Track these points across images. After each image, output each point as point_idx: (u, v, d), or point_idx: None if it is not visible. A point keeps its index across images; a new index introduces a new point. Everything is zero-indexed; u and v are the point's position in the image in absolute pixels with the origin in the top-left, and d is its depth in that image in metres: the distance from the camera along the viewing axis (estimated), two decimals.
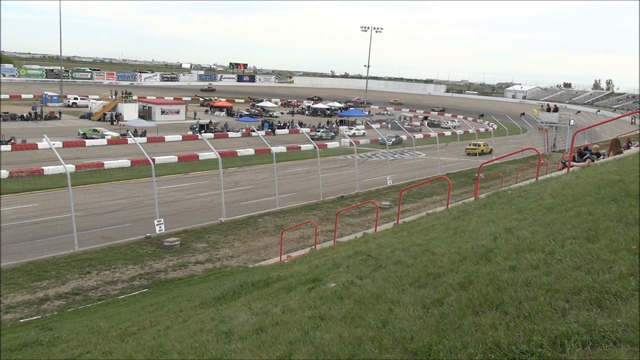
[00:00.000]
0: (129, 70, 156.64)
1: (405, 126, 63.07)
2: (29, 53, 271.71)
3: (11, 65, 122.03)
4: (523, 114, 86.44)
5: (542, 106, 55.79)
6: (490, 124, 76.27)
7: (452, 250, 5.87)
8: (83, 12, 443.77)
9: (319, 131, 57.60)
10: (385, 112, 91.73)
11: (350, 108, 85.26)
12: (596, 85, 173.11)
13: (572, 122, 49.92)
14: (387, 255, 6.85)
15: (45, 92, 75.41)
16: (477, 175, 22.62)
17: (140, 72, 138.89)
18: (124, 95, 63.03)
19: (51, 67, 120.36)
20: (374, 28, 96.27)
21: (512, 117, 71.86)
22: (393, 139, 52.90)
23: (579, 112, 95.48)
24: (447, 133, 61.68)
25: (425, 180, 27.11)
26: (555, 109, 53.31)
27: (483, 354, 3.53)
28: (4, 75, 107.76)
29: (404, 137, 54.72)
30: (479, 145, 47.48)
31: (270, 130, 59.12)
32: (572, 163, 13.20)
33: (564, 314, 3.73)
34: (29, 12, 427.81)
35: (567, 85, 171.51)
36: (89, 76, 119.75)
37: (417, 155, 44.58)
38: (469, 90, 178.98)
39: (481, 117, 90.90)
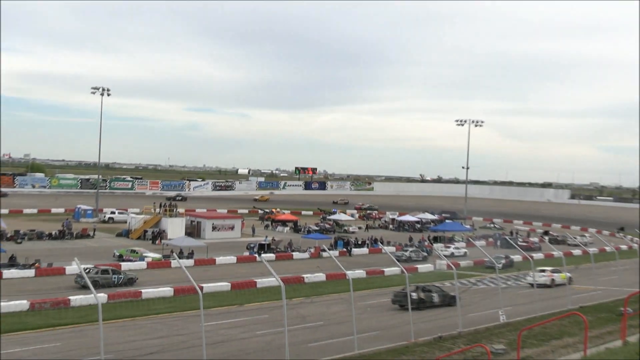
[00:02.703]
0: (177, 178, 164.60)
1: (519, 243, 61.43)
2: (63, 160, 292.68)
3: (42, 175, 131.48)
4: None
5: None
6: (635, 239, 72.93)
7: None
8: (125, 112, 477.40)
9: (406, 250, 57.04)
10: (492, 225, 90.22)
11: (447, 220, 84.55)
12: None
13: None
14: None
15: (78, 206, 79.90)
16: (623, 309, 21.28)
17: (189, 180, 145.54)
18: (169, 208, 65.67)
19: (87, 176, 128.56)
20: (473, 121, 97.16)
21: None
22: (503, 261, 51.40)
23: None
24: (577, 252, 59.42)
25: (551, 317, 25.79)
26: None
27: None
28: (34, 186, 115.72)
29: (519, 257, 53.12)
30: None
31: (345, 249, 59.17)
32: None
33: None
34: (67, 113, 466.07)
35: None
36: (130, 186, 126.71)
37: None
38: (601, 195, 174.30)
39: (621, 231, 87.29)
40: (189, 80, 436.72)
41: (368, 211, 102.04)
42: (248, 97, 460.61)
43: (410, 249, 57.70)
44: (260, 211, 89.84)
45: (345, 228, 77.18)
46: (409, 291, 30.85)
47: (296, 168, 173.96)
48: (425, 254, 57.28)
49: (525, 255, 44.10)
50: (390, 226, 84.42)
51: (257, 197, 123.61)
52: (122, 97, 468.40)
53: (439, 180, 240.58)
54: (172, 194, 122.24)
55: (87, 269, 39.26)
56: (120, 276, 39.62)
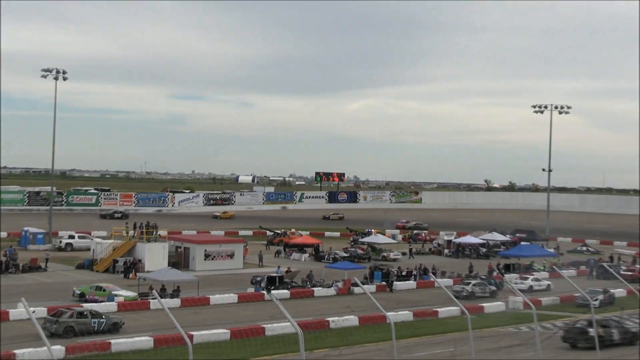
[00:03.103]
0: (156, 189, 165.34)
1: (622, 272, 60.73)
2: (5, 167, 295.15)
3: None
4: None
5: None
6: None
7: None
8: (88, 102, 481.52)
9: (468, 284, 56.68)
10: (585, 248, 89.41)
11: (523, 243, 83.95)
12: None
13: None
14: None
15: (25, 228, 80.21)
16: None
17: (173, 192, 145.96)
18: (146, 230, 65.83)
19: (37, 189, 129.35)
20: (556, 107, 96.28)
21: None
22: (601, 296, 50.74)
23: None
24: None
25: None
26: None
27: None
28: None
29: (622, 291, 52.55)
30: None
31: (385, 282, 58.95)
32: None
33: None
34: (8, 104, 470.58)
35: None
36: (94, 200, 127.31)
37: None
38: None
39: None
40: (172, 58, 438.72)
41: (415, 231, 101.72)
42: (251, 80, 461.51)
43: (473, 282, 57.29)
44: (269, 233, 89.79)
45: (385, 254, 76.94)
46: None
47: (317, 174, 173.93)
48: (493, 288, 56.83)
49: (630, 288, 43.73)
50: (446, 251, 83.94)
51: (217, 214, 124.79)
52: (83, 81, 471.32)
53: (510, 188, 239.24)
54: (150, 210, 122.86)
55: (57, 311, 39.78)
56: (102, 320, 39.98)
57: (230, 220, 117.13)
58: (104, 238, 73.01)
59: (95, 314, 40.35)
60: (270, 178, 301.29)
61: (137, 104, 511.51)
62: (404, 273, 63.59)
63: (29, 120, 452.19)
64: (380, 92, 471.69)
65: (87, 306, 44.53)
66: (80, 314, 39.82)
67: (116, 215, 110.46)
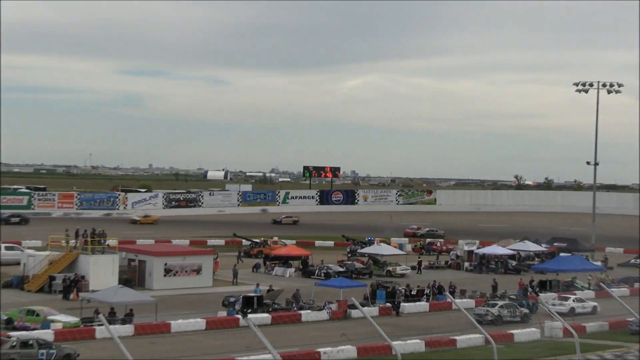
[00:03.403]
0: (105, 187, 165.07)
1: None
2: None
3: None
4: None
5: None
6: None
7: None
8: (19, 79, 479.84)
9: (494, 305, 56.76)
10: (639, 260, 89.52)
11: (562, 254, 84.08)
12: None
13: None
14: None
15: None
16: None
17: (125, 191, 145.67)
18: (91, 239, 65.59)
19: None
20: (603, 85, 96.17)
21: None
22: None
23: None
24: None
25: None
26: None
27: None
28: None
29: None
30: None
31: (390, 304, 58.97)
32: None
33: None
34: None
35: None
36: (25, 202, 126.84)
37: None
38: None
39: None
40: (125, 24, 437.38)
41: (428, 239, 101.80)
42: (225, 52, 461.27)
43: (500, 304, 57.35)
44: (245, 242, 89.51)
45: (390, 268, 77.09)
46: None
47: (305, 168, 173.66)
48: (525, 310, 56.93)
49: None
50: (466, 264, 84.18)
51: (136, 218, 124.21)
52: (13, 53, 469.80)
53: (547, 186, 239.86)
54: (97, 213, 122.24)
55: None
56: (51, 351, 39.75)
57: (154, 227, 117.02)
58: (37, 249, 72.65)
59: (43, 344, 40.22)
60: (247, 174, 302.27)
61: (80, 82, 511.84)
62: (413, 292, 63.60)
63: None
64: (384, 66, 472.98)
65: (32, 333, 44.49)
66: (25, 344, 39.76)
67: (12, 219, 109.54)
